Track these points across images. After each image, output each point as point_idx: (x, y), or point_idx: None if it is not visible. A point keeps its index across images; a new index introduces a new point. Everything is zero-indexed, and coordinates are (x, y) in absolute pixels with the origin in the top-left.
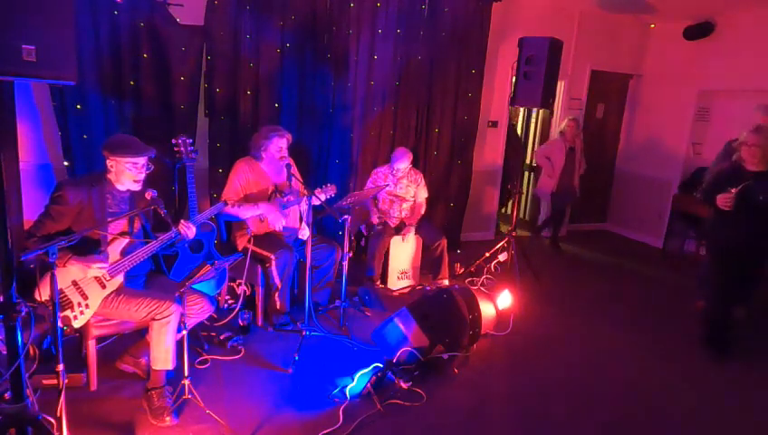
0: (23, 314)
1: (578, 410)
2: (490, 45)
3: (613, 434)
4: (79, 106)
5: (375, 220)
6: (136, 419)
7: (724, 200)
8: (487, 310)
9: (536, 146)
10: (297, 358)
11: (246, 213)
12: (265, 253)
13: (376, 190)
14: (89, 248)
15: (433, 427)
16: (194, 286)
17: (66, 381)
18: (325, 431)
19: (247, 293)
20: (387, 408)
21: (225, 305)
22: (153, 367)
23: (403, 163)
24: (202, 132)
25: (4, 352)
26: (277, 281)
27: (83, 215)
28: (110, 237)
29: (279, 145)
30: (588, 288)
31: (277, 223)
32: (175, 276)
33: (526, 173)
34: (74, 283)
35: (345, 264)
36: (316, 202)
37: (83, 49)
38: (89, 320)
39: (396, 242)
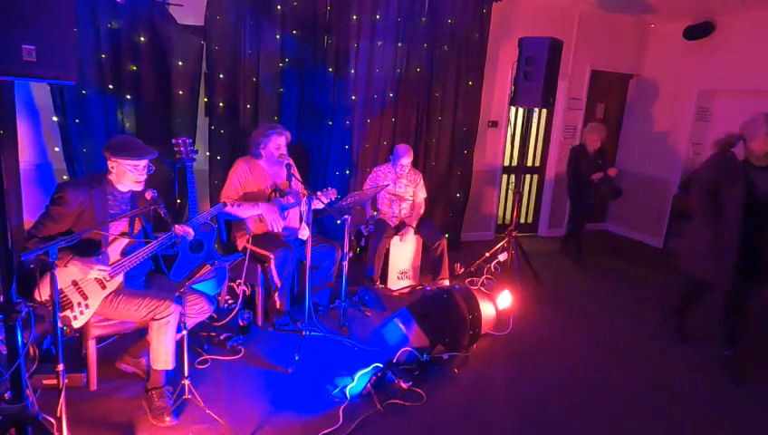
0: (23, 314)
1: (578, 410)
2: (490, 45)
3: (613, 434)
4: (78, 106)
5: (369, 215)
6: (136, 419)
7: None
8: (487, 310)
9: (536, 147)
10: (297, 358)
11: (246, 212)
12: (264, 252)
13: (376, 190)
14: (89, 249)
15: (433, 427)
16: (194, 286)
17: (66, 381)
18: (325, 431)
19: (247, 293)
20: (387, 408)
21: (225, 305)
22: (153, 367)
23: (407, 159)
24: (202, 132)
25: (4, 352)
26: (276, 280)
27: (84, 216)
28: (110, 238)
29: (278, 143)
30: (588, 288)
31: (276, 225)
32: (175, 276)
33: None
34: (74, 283)
35: (345, 264)
36: (316, 205)
37: (83, 49)
38: (89, 320)
39: (396, 242)
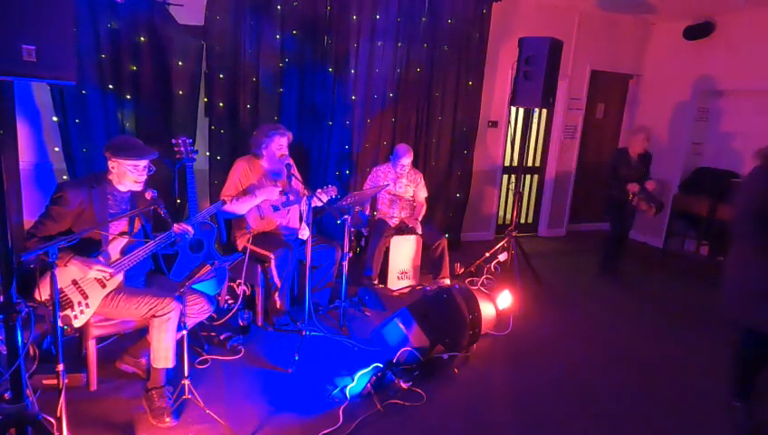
0: (23, 314)
1: (578, 411)
2: (490, 45)
3: (613, 434)
4: (78, 106)
5: (368, 212)
6: (136, 419)
7: None
8: (487, 310)
9: (536, 147)
10: (297, 358)
11: (245, 207)
12: (264, 252)
13: (376, 190)
14: (89, 248)
15: (433, 427)
16: (194, 286)
17: (66, 381)
18: (325, 431)
19: (247, 293)
20: (387, 408)
21: (225, 305)
22: (153, 365)
23: (407, 159)
24: (202, 132)
25: (4, 352)
26: (277, 280)
27: (84, 216)
28: (110, 238)
29: (280, 143)
30: (587, 288)
31: (273, 194)
32: (175, 276)
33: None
34: (74, 282)
35: (345, 264)
36: (316, 203)
37: (83, 49)
38: (89, 319)
39: (396, 242)
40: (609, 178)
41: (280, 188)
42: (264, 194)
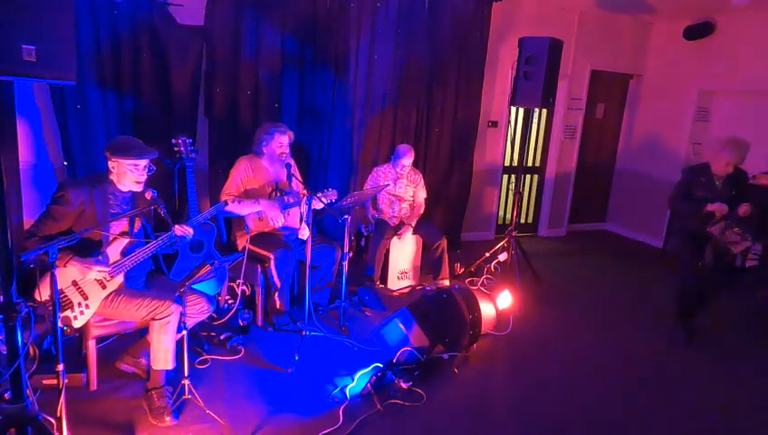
0: (23, 314)
1: (577, 410)
2: (490, 45)
3: (612, 434)
4: (79, 106)
5: (371, 215)
6: (136, 419)
7: None
8: (487, 310)
9: (536, 147)
10: (297, 358)
11: (246, 209)
12: (264, 252)
13: (376, 190)
14: (89, 248)
15: (433, 427)
16: (194, 286)
17: (66, 381)
18: (325, 431)
19: (247, 293)
20: (387, 408)
21: (225, 305)
22: (153, 367)
23: (408, 159)
24: (202, 132)
25: (4, 352)
26: (276, 280)
27: (85, 215)
28: (111, 238)
29: (280, 141)
30: (587, 288)
31: (277, 221)
32: (175, 276)
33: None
34: (74, 283)
35: (345, 264)
36: (316, 205)
37: (83, 49)
38: (89, 320)
39: (396, 242)
40: (675, 198)
41: (282, 220)
42: (267, 209)
